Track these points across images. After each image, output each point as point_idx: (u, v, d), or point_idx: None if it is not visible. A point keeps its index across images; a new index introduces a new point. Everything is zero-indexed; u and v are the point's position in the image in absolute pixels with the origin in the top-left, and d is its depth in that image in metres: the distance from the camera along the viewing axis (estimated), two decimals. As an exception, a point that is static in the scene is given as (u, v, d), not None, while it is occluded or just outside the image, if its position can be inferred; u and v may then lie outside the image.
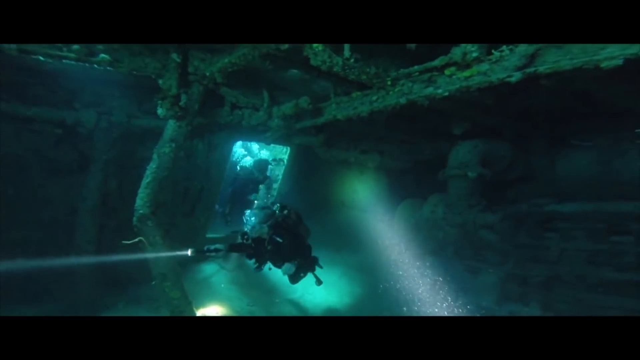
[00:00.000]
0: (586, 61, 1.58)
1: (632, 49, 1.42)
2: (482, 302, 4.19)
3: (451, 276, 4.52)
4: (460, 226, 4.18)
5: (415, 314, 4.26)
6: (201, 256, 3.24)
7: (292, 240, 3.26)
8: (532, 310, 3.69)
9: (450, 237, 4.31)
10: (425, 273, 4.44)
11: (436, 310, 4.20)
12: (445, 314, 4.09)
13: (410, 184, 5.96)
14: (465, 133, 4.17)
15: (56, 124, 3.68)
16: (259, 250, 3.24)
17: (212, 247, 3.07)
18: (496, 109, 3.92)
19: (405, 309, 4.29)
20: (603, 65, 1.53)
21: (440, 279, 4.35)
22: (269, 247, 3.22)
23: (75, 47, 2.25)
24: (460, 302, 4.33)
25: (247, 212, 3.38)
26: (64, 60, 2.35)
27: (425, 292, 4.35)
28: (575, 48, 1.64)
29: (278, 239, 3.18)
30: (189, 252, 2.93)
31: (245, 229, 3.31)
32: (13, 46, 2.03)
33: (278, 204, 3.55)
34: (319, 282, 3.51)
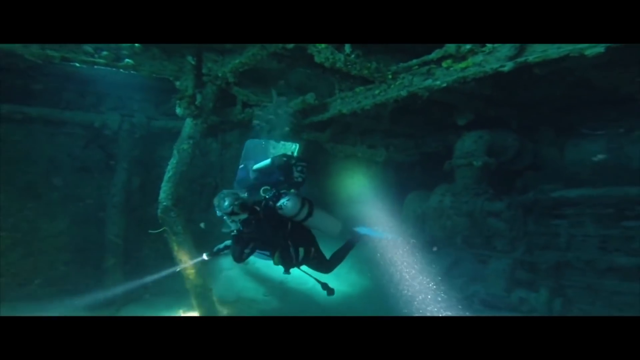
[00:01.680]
0: (571, 50, 1.68)
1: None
2: (491, 290, 4.26)
3: (461, 265, 4.60)
4: (467, 215, 4.25)
5: (414, 309, 4.35)
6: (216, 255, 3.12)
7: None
8: (541, 295, 3.73)
9: (459, 226, 4.39)
10: (426, 268, 4.53)
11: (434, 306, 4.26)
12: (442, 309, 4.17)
13: (419, 177, 6.03)
14: (472, 124, 4.24)
15: (85, 127, 4.03)
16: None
17: (222, 245, 3.01)
18: (500, 99, 3.97)
19: (405, 311, 4.37)
20: (587, 52, 1.62)
21: (439, 278, 4.43)
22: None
23: (105, 53, 2.52)
24: (470, 292, 4.41)
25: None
26: (95, 67, 2.63)
27: (424, 288, 4.44)
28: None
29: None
30: (205, 256, 3.08)
31: None
32: (56, 54, 2.32)
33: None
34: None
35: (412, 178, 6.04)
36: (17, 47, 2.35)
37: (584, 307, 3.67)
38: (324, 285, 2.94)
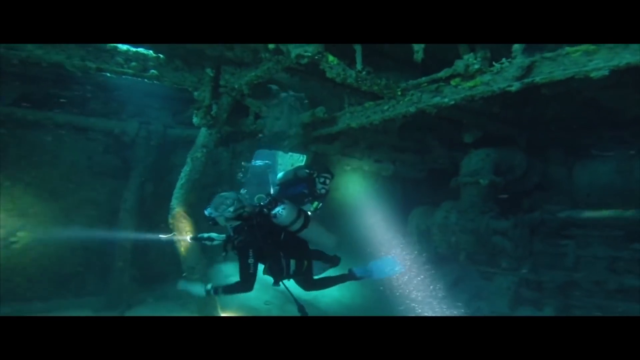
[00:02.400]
0: (576, 72, 1.74)
1: (615, 61, 1.57)
2: (495, 307, 4.17)
3: (465, 281, 4.52)
4: (472, 232, 4.22)
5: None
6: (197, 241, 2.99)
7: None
8: (545, 314, 3.64)
9: (463, 242, 4.35)
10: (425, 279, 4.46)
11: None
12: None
13: (425, 192, 6.03)
14: (480, 142, 4.28)
15: (105, 133, 4.21)
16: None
17: (206, 235, 2.92)
18: (509, 118, 4.03)
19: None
20: (592, 75, 1.68)
21: (438, 286, 4.36)
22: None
23: (133, 64, 2.70)
24: (474, 308, 4.31)
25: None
26: (123, 77, 2.81)
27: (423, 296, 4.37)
28: (567, 60, 1.81)
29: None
30: (188, 239, 3.06)
31: None
32: (93, 65, 2.51)
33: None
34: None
35: (418, 193, 6.04)
36: (61, 59, 2.54)
37: None
38: (300, 308, 2.68)
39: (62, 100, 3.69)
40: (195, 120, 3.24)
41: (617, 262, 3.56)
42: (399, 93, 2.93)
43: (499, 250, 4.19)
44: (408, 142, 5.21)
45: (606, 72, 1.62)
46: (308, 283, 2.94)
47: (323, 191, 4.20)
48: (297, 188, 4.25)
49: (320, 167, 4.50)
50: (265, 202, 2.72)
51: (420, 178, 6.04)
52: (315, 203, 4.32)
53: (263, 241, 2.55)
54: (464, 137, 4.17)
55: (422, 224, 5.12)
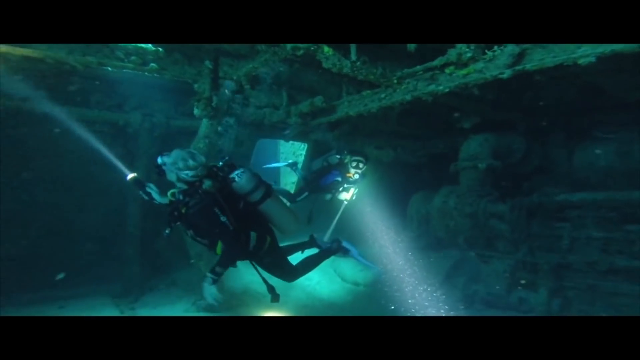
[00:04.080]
0: (565, 59, 1.77)
1: (601, 48, 1.60)
2: (492, 290, 4.32)
3: (463, 265, 4.67)
4: (470, 216, 4.32)
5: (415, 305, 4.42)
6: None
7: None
8: (540, 296, 3.78)
9: (461, 226, 4.46)
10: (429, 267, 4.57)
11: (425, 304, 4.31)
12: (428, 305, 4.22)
13: (427, 178, 6.09)
14: (479, 127, 4.30)
15: (111, 125, 4.33)
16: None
17: (148, 185, 2.44)
18: (507, 103, 4.02)
19: (392, 307, 4.37)
20: (580, 62, 1.71)
21: (441, 277, 4.46)
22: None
23: (133, 57, 2.77)
24: (472, 291, 4.47)
25: None
26: (123, 70, 2.89)
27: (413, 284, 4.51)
28: (557, 47, 1.83)
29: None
30: (129, 177, 2.54)
31: None
32: (94, 60, 2.58)
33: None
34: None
35: (419, 179, 6.10)
36: (63, 54, 2.61)
37: (583, 308, 3.70)
38: (271, 289, 2.36)
39: (67, 94, 3.78)
40: (196, 111, 3.33)
41: (610, 243, 3.64)
42: (395, 81, 2.95)
43: (496, 233, 4.30)
44: (408, 129, 5.22)
45: (593, 59, 1.65)
46: (286, 271, 2.56)
47: (357, 176, 3.87)
48: (329, 177, 4.02)
49: (352, 149, 4.11)
50: (221, 165, 2.31)
51: (422, 163, 6.08)
52: (352, 189, 4.01)
53: (220, 211, 2.08)
54: (462, 123, 4.18)
55: (422, 209, 5.22)
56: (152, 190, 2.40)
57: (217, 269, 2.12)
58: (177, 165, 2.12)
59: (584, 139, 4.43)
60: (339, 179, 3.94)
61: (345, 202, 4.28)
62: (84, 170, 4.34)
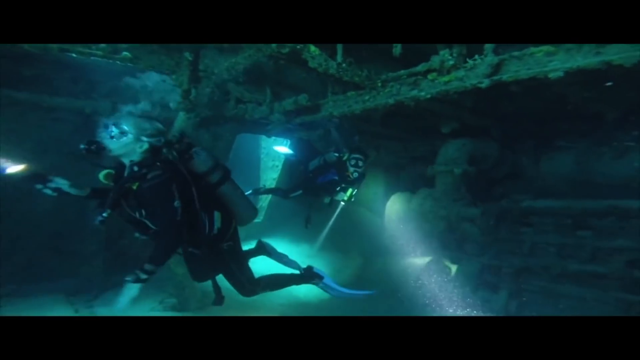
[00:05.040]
0: (538, 72, 1.87)
1: (569, 63, 1.71)
2: (460, 289, 4.54)
3: (436, 266, 4.86)
4: (444, 219, 4.49)
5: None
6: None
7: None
8: (500, 297, 4.04)
9: (436, 228, 4.62)
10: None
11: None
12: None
13: (407, 180, 6.26)
14: (457, 132, 4.46)
15: (75, 113, 4.01)
16: None
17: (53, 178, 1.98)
18: (483, 110, 4.21)
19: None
20: (550, 75, 1.82)
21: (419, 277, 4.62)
22: None
23: (102, 45, 2.56)
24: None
25: None
26: (91, 57, 2.67)
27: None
28: (532, 59, 1.93)
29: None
30: (14, 169, 2.25)
31: None
32: (54, 45, 2.35)
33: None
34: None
35: (402, 181, 6.26)
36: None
37: (535, 309, 3.99)
38: (217, 288, 2.19)
39: (24, 78, 3.45)
40: (171, 104, 3.16)
41: (564, 248, 3.94)
42: (380, 84, 2.98)
43: (467, 236, 4.51)
44: (391, 130, 5.32)
45: (561, 74, 1.76)
46: (242, 274, 2.25)
47: (356, 175, 3.65)
48: (326, 176, 3.77)
49: (352, 147, 3.88)
50: (176, 140, 2.06)
51: (402, 165, 6.24)
52: (350, 190, 3.75)
53: (178, 190, 1.85)
54: (441, 128, 4.32)
55: (400, 210, 5.35)
56: (61, 183, 1.94)
57: (149, 267, 1.84)
58: (144, 128, 1.85)
59: (549, 148, 4.74)
60: (337, 177, 3.73)
61: (342, 203, 4.06)
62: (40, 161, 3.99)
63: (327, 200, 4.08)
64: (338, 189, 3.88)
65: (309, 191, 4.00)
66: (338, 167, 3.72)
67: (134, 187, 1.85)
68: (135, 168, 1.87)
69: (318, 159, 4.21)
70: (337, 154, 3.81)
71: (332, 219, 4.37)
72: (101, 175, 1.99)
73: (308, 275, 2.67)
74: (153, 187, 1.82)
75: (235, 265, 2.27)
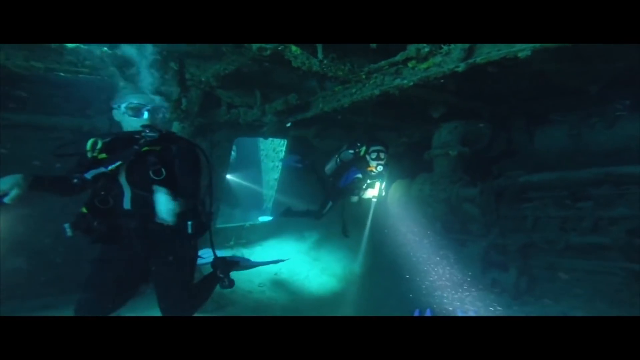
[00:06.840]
0: (507, 52, 1.92)
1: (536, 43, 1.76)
2: (468, 271, 4.60)
3: (443, 250, 4.93)
4: (445, 201, 4.55)
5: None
6: None
7: None
8: (510, 275, 4.08)
9: (438, 212, 4.69)
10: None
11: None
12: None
13: (407, 167, 6.31)
14: (448, 115, 4.50)
15: (74, 131, 4.13)
16: None
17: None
18: (470, 93, 4.23)
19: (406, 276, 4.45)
20: (519, 55, 1.87)
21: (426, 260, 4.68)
22: None
23: (87, 62, 2.65)
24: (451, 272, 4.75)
25: None
26: (80, 75, 2.76)
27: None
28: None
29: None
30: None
31: None
32: (40, 65, 2.44)
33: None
34: None
35: (401, 169, 6.31)
36: (1, 59, 2.46)
37: (545, 285, 4.03)
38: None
39: (17, 99, 3.55)
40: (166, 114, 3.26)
41: (566, 222, 3.94)
42: (364, 77, 3.04)
43: (469, 217, 4.56)
44: (383, 120, 5.36)
45: (529, 52, 1.81)
46: (187, 279, 2.06)
47: (380, 168, 3.46)
48: (348, 176, 3.52)
49: (368, 138, 3.62)
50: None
51: (400, 153, 6.28)
52: (378, 184, 3.42)
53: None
54: (431, 113, 4.36)
55: (401, 197, 5.42)
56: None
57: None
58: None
59: (542, 123, 4.76)
60: (360, 175, 3.50)
61: (374, 200, 3.79)
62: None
63: (354, 199, 3.82)
64: (364, 186, 3.52)
65: (336, 199, 3.74)
66: (358, 164, 3.50)
67: (157, 149, 1.89)
68: (147, 130, 1.86)
69: (333, 160, 3.81)
70: (352, 151, 3.63)
71: (369, 219, 4.19)
72: (89, 142, 1.90)
73: (224, 266, 2.32)
74: (184, 150, 1.92)
75: (181, 270, 2.08)
